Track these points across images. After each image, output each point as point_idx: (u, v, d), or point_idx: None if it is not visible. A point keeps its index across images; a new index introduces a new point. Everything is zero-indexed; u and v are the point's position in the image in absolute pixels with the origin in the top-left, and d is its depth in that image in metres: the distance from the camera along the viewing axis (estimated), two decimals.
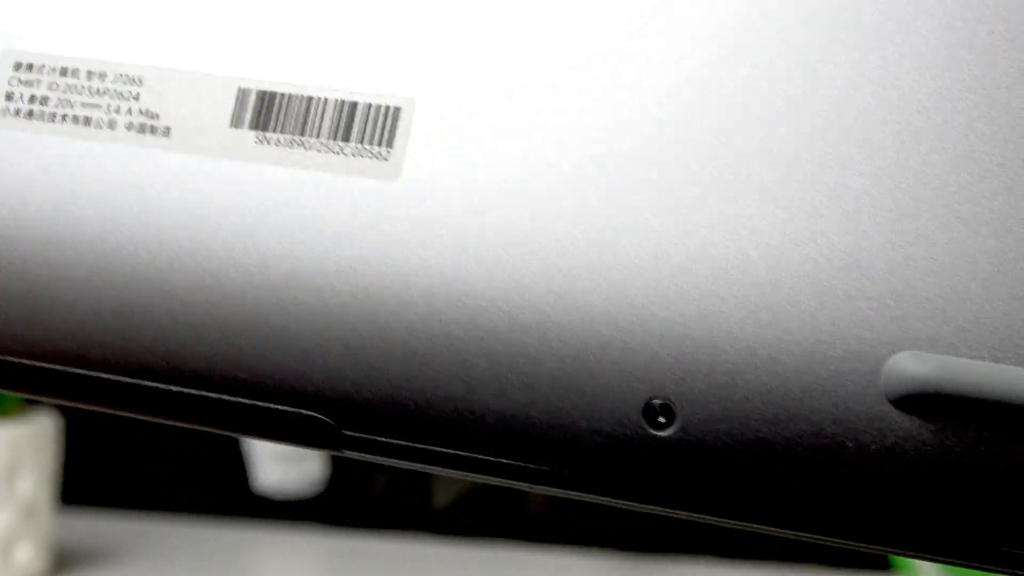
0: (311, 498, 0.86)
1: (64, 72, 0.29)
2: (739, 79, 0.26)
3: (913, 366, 0.25)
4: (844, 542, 0.25)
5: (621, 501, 0.26)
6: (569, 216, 0.26)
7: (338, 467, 0.86)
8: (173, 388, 0.28)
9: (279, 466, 0.85)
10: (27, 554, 0.68)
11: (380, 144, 0.28)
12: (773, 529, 0.25)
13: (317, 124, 0.28)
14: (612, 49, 0.27)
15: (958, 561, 0.25)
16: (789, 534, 0.25)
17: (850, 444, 0.25)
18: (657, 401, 0.26)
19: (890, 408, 0.25)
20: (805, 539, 0.25)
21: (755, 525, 0.25)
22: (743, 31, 0.27)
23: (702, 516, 0.26)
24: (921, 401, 0.25)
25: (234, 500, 0.86)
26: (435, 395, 0.27)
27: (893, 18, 0.26)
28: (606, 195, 0.26)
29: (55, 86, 0.29)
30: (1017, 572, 0.25)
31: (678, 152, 0.26)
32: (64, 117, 0.29)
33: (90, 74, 0.29)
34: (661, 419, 0.26)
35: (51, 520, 0.71)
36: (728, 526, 0.26)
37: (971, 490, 0.24)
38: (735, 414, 0.25)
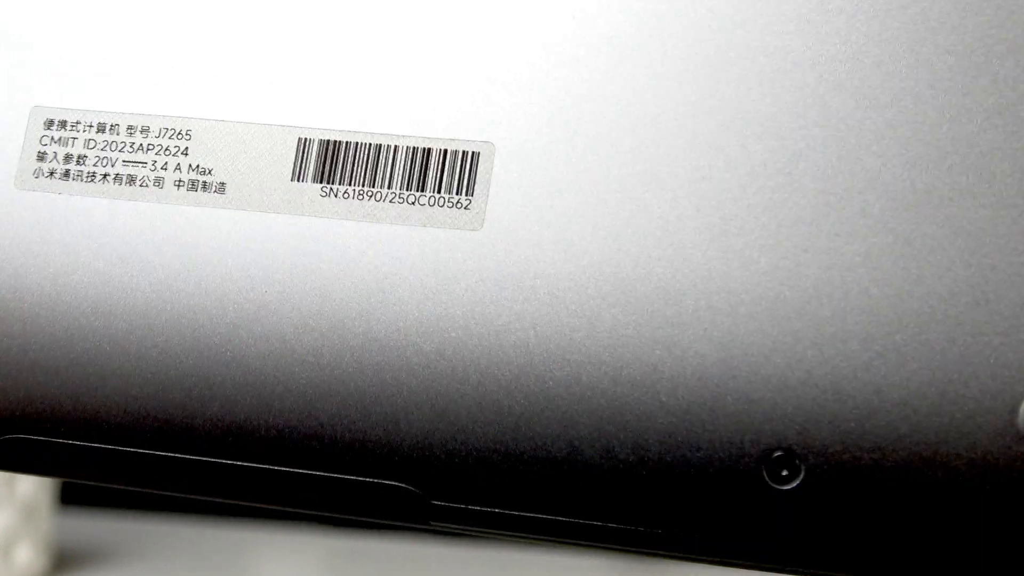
0: None
1: (102, 128, 0.27)
2: (847, 113, 0.25)
3: None
4: None
5: (741, 562, 0.25)
6: (671, 260, 0.25)
7: None
8: (244, 464, 0.26)
9: None
10: (27, 554, 0.67)
11: (460, 192, 0.26)
12: None
13: (388, 173, 0.26)
14: (714, 82, 0.25)
15: None
16: None
17: (988, 488, 0.23)
18: (779, 453, 0.24)
19: None
20: None
21: None
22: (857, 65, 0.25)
23: (831, 575, 0.24)
24: None
25: None
26: (534, 457, 0.25)
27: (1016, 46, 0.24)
28: (709, 236, 0.25)
29: (92, 143, 0.27)
30: None
31: (787, 189, 0.25)
32: (105, 176, 0.27)
33: (131, 129, 0.27)
34: (784, 472, 0.24)
35: (51, 520, 0.70)
36: None
37: None
38: (865, 463, 0.24)
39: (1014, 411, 0.23)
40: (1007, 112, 0.24)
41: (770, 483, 0.24)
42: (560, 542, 0.25)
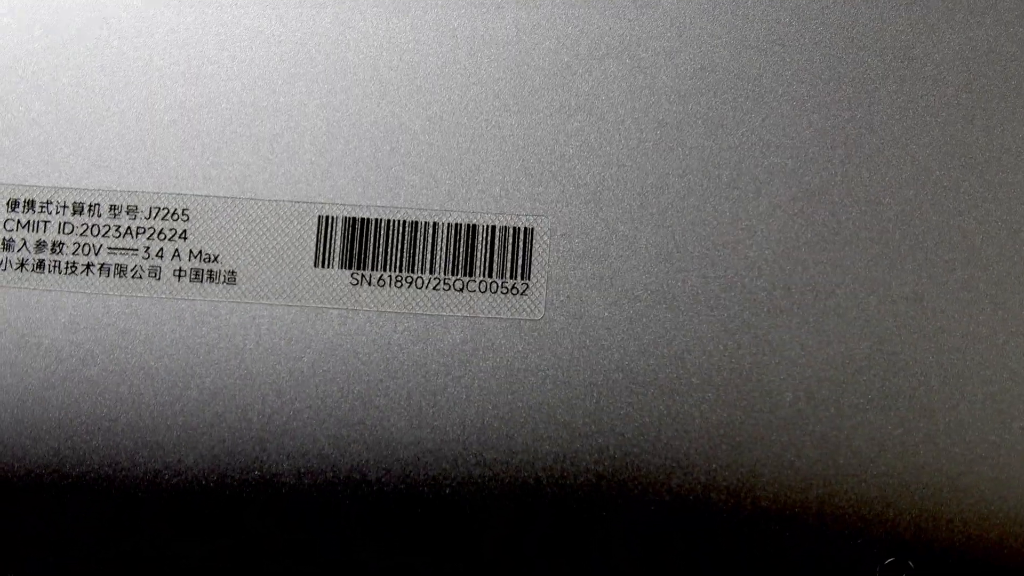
0: None
1: (79, 209, 0.23)
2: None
3: None
4: None
5: None
6: (760, 344, 0.22)
7: None
8: None
9: None
10: None
11: (514, 276, 0.22)
12: None
13: (428, 255, 0.22)
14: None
15: None
16: None
17: None
18: (892, 559, 0.22)
19: None
20: None
21: None
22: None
23: None
24: None
25: None
26: (626, 570, 0.22)
27: None
28: (800, 319, 0.22)
29: (69, 227, 0.23)
30: None
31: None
32: (88, 267, 0.23)
33: (115, 209, 0.23)
34: None
35: None
36: None
37: None
38: (985, 567, 0.22)
39: None
40: None
41: None
42: None
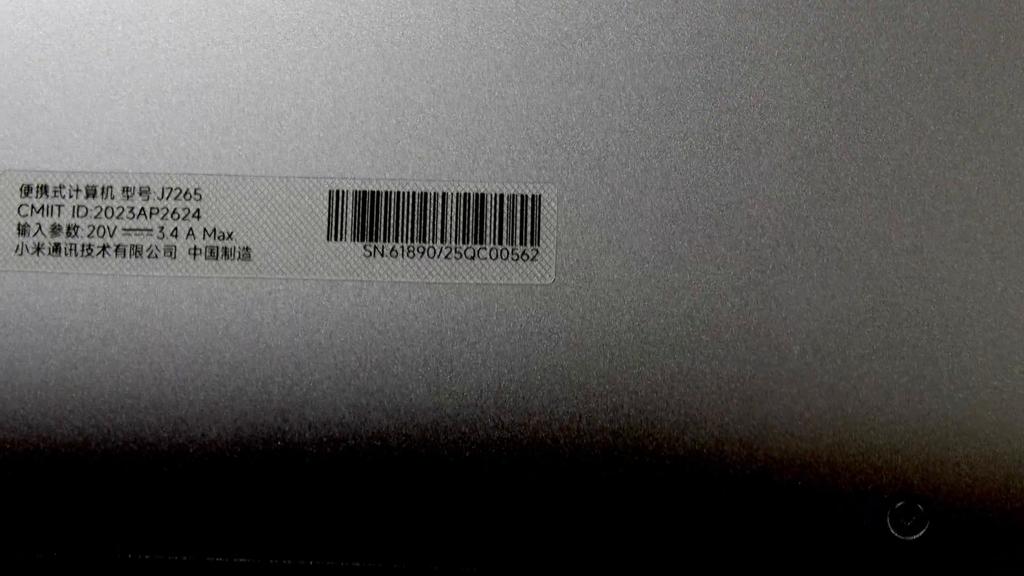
0: None
1: (91, 192, 0.23)
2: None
3: None
4: None
5: None
6: (767, 302, 0.23)
7: None
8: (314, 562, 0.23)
9: None
10: None
11: (524, 242, 0.23)
12: None
13: (439, 225, 0.23)
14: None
15: None
16: None
17: None
18: (902, 503, 0.22)
19: None
20: None
21: None
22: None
23: None
24: None
25: None
26: (642, 518, 0.23)
27: None
28: (806, 273, 0.23)
29: (83, 210, 0.23)
30: None
31: (872, 213, 0.23)
32: (104, 249, 0.23)
33: (127, 191, 0.23)
34: (908, 522, 0.22)
35: None
36: None
37: None
38: (991, 507, 0.22)
39: None
40: None
41: (895, 534, 0.22)
42: None
